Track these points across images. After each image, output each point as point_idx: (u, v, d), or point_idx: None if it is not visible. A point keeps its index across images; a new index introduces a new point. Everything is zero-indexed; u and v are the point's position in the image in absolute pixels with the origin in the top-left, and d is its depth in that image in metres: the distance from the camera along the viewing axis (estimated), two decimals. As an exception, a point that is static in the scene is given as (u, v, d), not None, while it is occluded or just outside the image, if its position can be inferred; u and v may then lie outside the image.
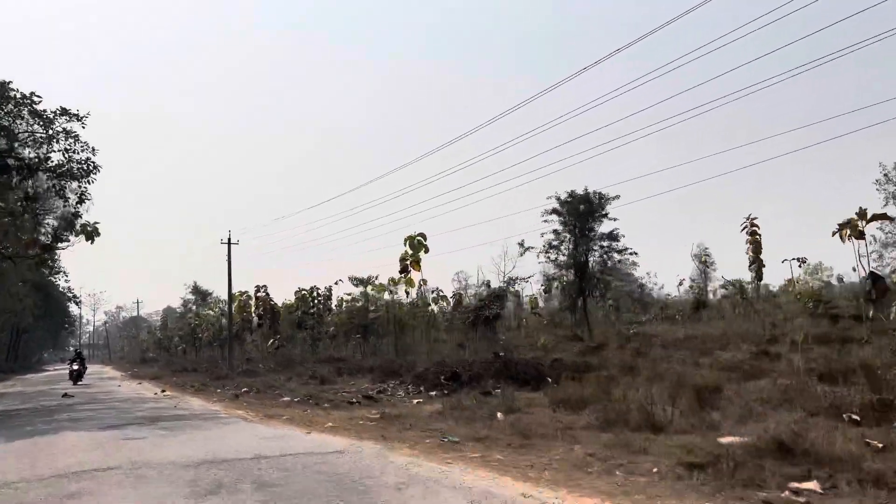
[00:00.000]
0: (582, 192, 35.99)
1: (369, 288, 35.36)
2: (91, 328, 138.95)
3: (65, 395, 21.81)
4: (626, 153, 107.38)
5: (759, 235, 30.97)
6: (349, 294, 40.98)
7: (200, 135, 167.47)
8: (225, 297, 51.28)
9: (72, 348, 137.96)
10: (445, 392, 18.09)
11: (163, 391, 23.03)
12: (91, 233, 21.62)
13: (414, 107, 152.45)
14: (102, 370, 58.96)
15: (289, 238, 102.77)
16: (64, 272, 71.41)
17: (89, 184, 18.15)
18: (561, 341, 29.86)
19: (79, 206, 18.57)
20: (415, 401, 17.25)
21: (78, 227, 20.50)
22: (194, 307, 68.07)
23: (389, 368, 23.69)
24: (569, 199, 36.87)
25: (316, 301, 39.52)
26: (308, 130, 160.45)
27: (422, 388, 19.27)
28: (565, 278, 38.78)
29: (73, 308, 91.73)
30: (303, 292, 40.94)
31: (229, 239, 37.51)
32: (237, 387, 22.88)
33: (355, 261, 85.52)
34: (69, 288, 79.11)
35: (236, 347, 55.22)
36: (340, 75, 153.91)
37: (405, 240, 22.84)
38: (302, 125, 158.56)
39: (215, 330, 55.85)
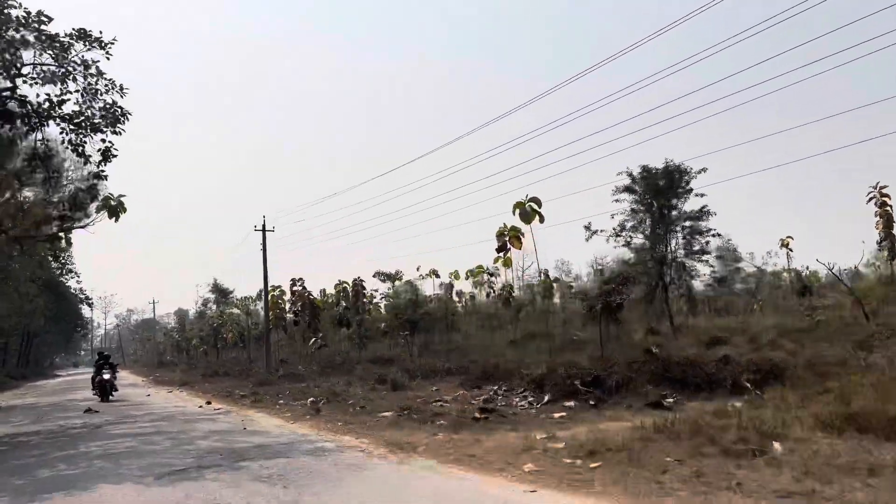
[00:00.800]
0: (661, 166, 31.45)
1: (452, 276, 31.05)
2: (102, 332, 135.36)
3: (88, 410, 17.53)
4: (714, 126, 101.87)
5: (891, 207, 26.47)
6: (389, 287, 36.78)
7: (210, 131, 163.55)
8: (248, 294, 47.27)
9: (82, 352, 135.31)
10: (589, 402, 13.72)
11: (208, 402, 18.74)
12: (116, 208, 17.37)
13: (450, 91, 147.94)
14: (119, 375, 54.78)
15: (317, 229, 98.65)
16: (75, 272, 67.83)
17: (117, 134, 13.73)
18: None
19: (102, 165, 14.16)
20: (556, 414, 12.91)
21: (100, 199, 16.23)
22: (214, 306, 63.95)
23: (481, 371, 19.38)
24: (645, 174, 32.36)
25: (360, 294, 35.25)
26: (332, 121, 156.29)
27: (546, 397, 14.90)
28: (645, 263, 34.39)
29: (84, 310, 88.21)
30: (343, 285, 36.66)
31: (263, 226, 33.24)
32: (295, 396, 18.61)
33: (385, 253, 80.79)
34: (81, 289, 75.35)
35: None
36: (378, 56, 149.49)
37: (514, 207, 18.50)
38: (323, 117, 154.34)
39: (241, 330, 51.77)
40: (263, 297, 32.95)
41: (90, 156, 14.28)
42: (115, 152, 14.20)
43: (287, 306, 37.80)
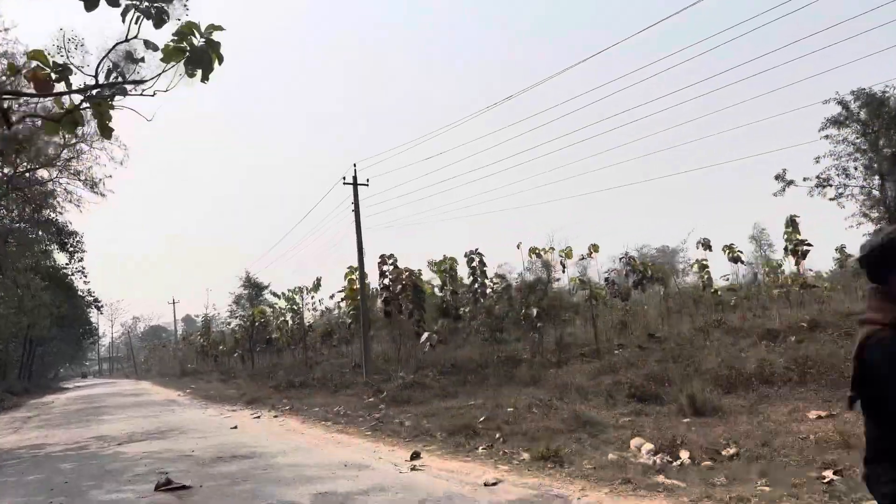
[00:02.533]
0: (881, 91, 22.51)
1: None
2: (108, 340, 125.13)
3: (166, 484, 7.97)
4: None
5: None
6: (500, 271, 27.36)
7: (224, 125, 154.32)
8: (284, 291, 37.76)
9: (87, 362, 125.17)
10: None
11: (414, 456, 9.15)
12: (204, 52, 6.63)
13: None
14: (141, 388, 45.37)
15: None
16: (82, 271, 57.96)
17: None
18: None
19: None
20: None
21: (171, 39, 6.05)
22: (247, 304, 54.58)
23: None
24: (868, 100, 23.10)
25: (480, 273, 25.80)
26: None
27: None
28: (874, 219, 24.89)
29: (91, 315, 78.59)
30: (450, 261, 27.15)
31: (355, 178, 23.79)
32: (512, 429, 9.29)
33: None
34: (89, 290, 65.47)
35: (308, 350, 41.64)
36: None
37: None
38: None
39: (291, 329, 42.35)
40: (359, 269, 23.25)
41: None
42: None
43: (378, 290, 28.26)
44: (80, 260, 40.27)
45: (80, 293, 64.56)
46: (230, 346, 53.79)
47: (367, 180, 23.44)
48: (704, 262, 22.84)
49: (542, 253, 26.22)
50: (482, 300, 23.88)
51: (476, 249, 24.91)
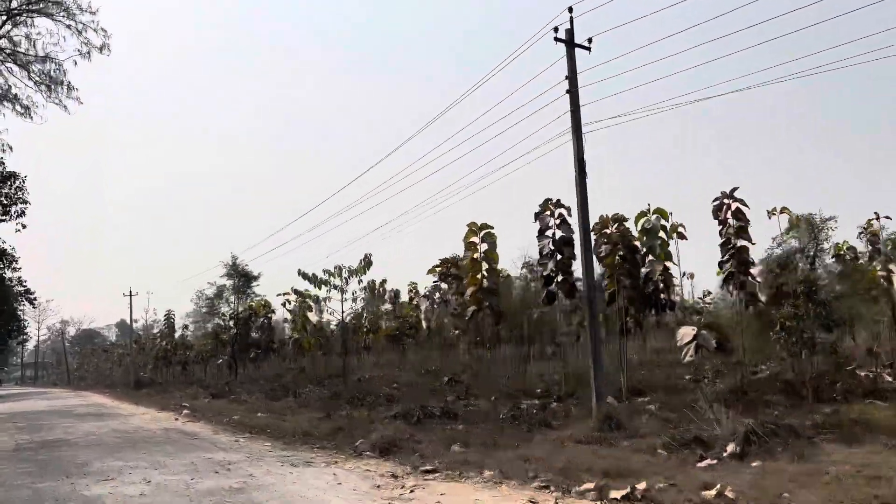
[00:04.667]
0: None
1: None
2: (34, 343, 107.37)
3: None
4: None
5: None
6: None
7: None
8: (314, 274, 26.69)
9: (6, 368, 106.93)
10: None
11: None
12: None
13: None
14: (94, 402, 33.27)
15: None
16: (12, 253, 44.58)
17: None
18: None
19: None
20: None
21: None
22: (231, 297, 42.55)
23: None
24: None
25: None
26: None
27: None
28: None
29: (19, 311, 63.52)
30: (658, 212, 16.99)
31: (570, 32, 13.27)
32: None
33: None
34: (20, 279, 50.82)
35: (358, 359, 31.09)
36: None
37: None
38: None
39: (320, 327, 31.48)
40: (581, 225, 12.53)
41: None
42: None
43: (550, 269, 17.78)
44: (20, 215, 28.12)
45: (7, 281, 50.69)
46: (207, 350, 41.94)
47: (590, 40, 13.09)
48: None
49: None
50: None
51: (733, 191, 14.82)
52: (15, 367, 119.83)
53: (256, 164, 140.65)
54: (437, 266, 21.30)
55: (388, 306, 35.42)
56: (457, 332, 21.94)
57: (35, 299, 61.17)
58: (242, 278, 42.56)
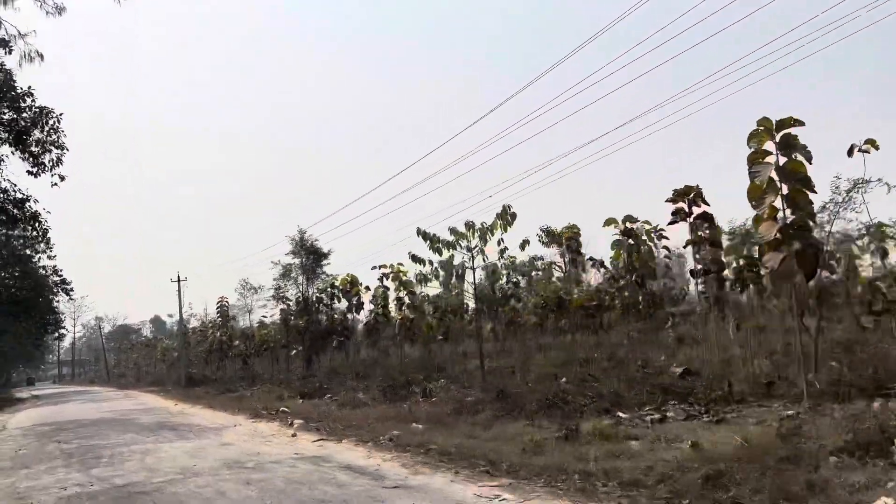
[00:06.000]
0: None
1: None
2: (70, 340, 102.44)
3: None
4: None
5: None
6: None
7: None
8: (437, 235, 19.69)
9: (43, 366, 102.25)
10: None
11: None
12: None
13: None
14: (156, 405, 27.07)
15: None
16: (47, 241, 38.21)
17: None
18: None
19: None
20: None
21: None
22: (301, 277, 35.77)
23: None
24: None
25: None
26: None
27: None
28: None
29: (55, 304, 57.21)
30: None
31: None
32: None
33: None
34: (55, 268, 44.09)
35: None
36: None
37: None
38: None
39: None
40: None
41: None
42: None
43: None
44: (56, 164, 21.58)
45: (42, 271, 44.59)
46: (276, 340, 35.58)
47: None
48: None
49: None
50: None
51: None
52: (51, 366, 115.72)
53: (267, 162, 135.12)
54: (674, 197, 13.95)
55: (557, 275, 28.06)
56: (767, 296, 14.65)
57: (72, 289, 53.93)
58: (311, 256, 35.90)
